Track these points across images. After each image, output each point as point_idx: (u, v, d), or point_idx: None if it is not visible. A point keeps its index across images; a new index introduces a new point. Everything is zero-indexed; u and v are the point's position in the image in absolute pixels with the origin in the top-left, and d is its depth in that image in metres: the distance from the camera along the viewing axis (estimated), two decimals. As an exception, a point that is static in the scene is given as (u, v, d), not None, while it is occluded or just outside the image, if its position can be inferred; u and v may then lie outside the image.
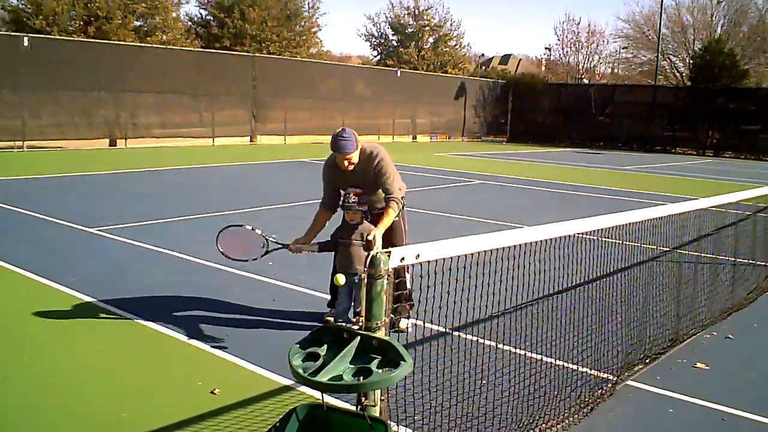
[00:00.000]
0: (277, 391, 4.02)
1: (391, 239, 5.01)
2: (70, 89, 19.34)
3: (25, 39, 18.39)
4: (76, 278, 6.07)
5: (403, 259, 2.55)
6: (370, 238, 4.71)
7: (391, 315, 4.33)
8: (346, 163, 4.96)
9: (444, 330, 4.68)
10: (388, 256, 2.46)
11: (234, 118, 24.05)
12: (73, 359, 4.39)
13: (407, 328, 5.00)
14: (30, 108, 18.46)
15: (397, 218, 5.02)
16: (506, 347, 4.14)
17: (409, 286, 4.89)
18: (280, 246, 5.09)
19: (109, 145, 20.35)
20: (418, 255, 2.63)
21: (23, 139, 18.28)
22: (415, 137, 30.76)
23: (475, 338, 4.56)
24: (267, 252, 5.09)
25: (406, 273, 4.74)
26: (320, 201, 5.39)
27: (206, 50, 27.24)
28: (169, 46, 26.09)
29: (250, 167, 16.68)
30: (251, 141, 24.34)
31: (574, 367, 4.16)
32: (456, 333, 4.45)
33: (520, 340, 4.04)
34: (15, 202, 9.83)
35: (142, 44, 24.79)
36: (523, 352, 4.22)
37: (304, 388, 4.00)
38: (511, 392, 3.69)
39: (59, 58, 18.98)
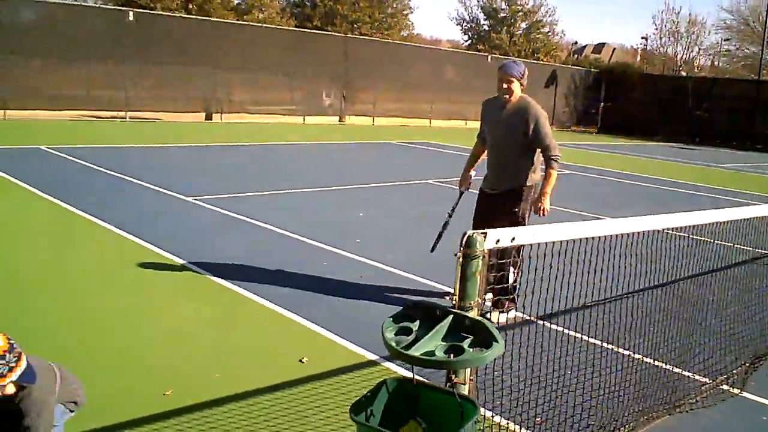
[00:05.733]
0: (361, 365, 4.10)
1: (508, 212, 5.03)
2: (171, 63, 20.07)
3: (131, 13, 19.19)
4: (173, 243, 6.36)
5: (498, 241, 2.55)
6: (539, 207, 4.89)
7: (489, 298, 4.46)
8: (504, 86, 5.00)
9: (529, 318, 4.67)
10: (484, 237, 2.48)
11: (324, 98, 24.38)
12: (167, 318, 4.62)
13: (505, 322, 4.92)
14: (133, 80, 19.29)
15: (519, 197, 5.07)
16: (594, 340, 4.09)
17: (510, 280, 4.88)
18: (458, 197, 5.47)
19: (205, 119, 21.05)
20: (514, 238, 2.63)
21: (126, 110, 19.15)
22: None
23: (561, 328, 4.53)
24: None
25: (511, 267, 4.73)
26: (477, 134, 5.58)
27: (300, 29, 27.68)
28: (264, 25, 26.64)
29: (338, 146, 16.91)
30: (340, 121, 24.63)
31: (665, 366, 4.06)
32: (541, 321, 4.42)
33: (608, 334, 3.97)
34: (118, 169, 10.36)
35: (239, 21, 25.41)
36: (611, 346, 4.15)
37: (387, 364, 4.08)
38: (599, 386, 3.64)
39: (161, 33, 19.75)
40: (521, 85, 5.05)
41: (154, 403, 3.42)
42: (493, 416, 3.16)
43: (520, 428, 3.31)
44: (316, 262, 6.17)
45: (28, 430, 2.59)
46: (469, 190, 5.56)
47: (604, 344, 4.13)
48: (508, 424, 3.33)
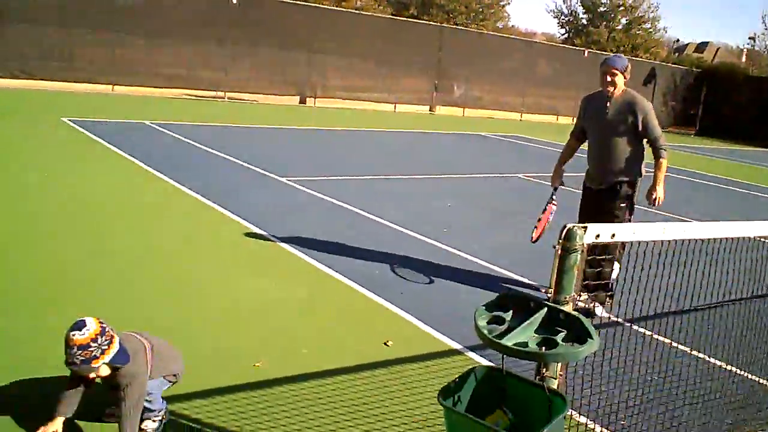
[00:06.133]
0: (445, 353, 4.12)
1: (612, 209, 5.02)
2: (269, 46, 20.55)
3: (235, -4, 19.79)
4: (266, 220, 6.56)
5: (598, 236, 2.51)
6: (654, 197, 4.96)
7: (587, 294, 4.44)
8: (608, 79, 5.01)
9: (616, 319, 4.56)
10: (584, 230, 2.44)
11: (416, 87, 24.40)
12: (258, 292, 4.78)
13: (600, 314, 4.93)
14: (232, 61, 19.89)
15: (629, 191, 5.08)
16: (683, 347, 3.97)
17: (614, 276, 4.89)
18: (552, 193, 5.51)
19: (299, 102, 21.47)
20: (614, 234, 2.57)
21: (225, 90, 19.77)
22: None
23: (649, 332, 4.41)
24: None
25: (614, 263, 4.79)
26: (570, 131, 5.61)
27: (396, 17, 27.73)
28: (361, 12, 26.86)
29: (428, 136, 16.91)
30: (430, 111, 24.60)
31: (762, 381, 3.89)
32: (628, 324, 4.32)
33: (702, 342, 3.84)
34: (216, 146, 10.74)
35: (337, 8, 25.71)
36: (703, 355, 4.02)
37: (470, 354, 4.09)
38: (693, 395, 3.52)
39: (262, 17, 20.21)
40: (624, 78, 5.04)
41: (245, 373, 3.55)
42: (571, 415, 3.12)
43: (604, 429, 3.26)
44: (403, 248, 6.22)
45: (121, 401, 2.75)
46: (563, 186, 5.50)
47: (695, 352, 4.00)
48: (589, 423, 3.28)
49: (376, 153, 12.72)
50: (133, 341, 2.85)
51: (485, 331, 2.33)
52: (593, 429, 3.26)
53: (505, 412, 2.48)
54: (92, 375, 2.71)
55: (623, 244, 4.12)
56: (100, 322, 2.70)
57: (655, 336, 4.26)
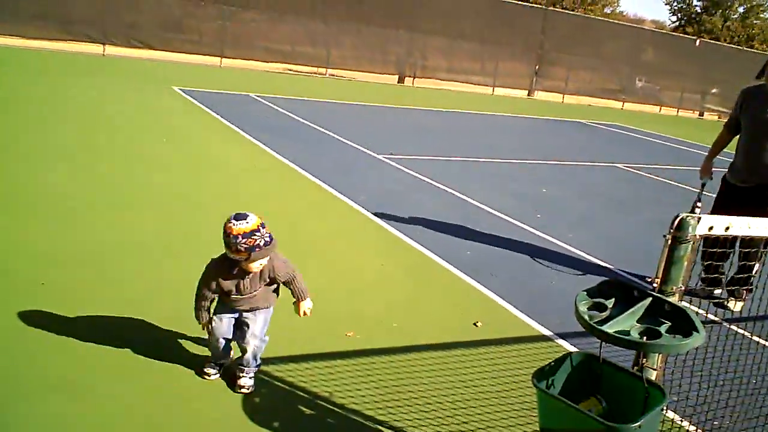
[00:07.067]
0: (534, 338, 4.09)
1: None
2: (372, 25, 20.69)
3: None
4: (362, 196, 6.66)
5: (711, 228, 2.42)
6: None
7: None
8: None
9: (715, 318, 4.38)
10: (698, 221, 2.36)
11: (515, 70, 24.00)
12: (356, 267, 4.87)
13: (737, 309, 4.97)
14: (335, 38, 20.14)
15: None
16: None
17: (754, 271, 4.83)
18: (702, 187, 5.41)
19: (398, 81, 21.53)
20: (728, 227, 2.48)
21: (327, 67, 20.07)
22: (702, 114, 28.18)
23: (748, 333, 4.23)
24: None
25: (757, 261, 4.74)
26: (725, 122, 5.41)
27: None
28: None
29: (527, 120, 16.62)
30: (528, 95, 24.14)
31: None
32: (726, 324, 4.14)
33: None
34: (318, 121, 10.96)
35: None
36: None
37: (560, 341, 4.03)
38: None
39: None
40: None
41: (337, 341, 3.64)
42: (666, 410, 3.03)
43: (695, 429, 3.16)
44: (497, 232, 6.18)
45: (291, 284, 3.06)
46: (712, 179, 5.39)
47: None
48: (678, 419, 3.19)
49: (473, 135, 12.62)
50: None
51: (586, 317, 2.30)
52: (682, 426, 3.17)
53: (599, 400, 2.44)
54: (255, 267, 2.87)
55: (766, 241, 3.96)
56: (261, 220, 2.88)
57: (755, 338, 4.09)
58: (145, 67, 15.58)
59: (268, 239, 2.84)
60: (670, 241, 2.33)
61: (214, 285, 2.93)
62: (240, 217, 2.81)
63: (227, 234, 2.79)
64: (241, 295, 2.95)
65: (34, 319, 3.39)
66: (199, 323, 3.04)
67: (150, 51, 17.65)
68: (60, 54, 15.75)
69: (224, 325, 3.01)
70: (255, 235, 2.79)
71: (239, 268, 2.89)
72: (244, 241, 2.77)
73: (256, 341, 3.01)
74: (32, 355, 3.08)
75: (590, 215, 7.43)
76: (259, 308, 3.02)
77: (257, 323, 3.02)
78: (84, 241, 4.55)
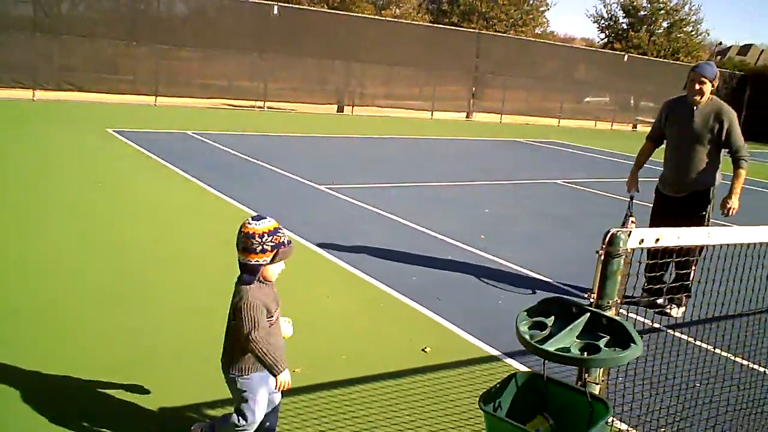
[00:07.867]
0: (484, 359, 4.09)
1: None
2: (308, 56, 20.76)
3: (275, 7, 19.99)
4: (305, 228, 6.60)
5: (642, 241, 2.47)
6: (728, 206, 4.93)
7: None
8: (697, 87, 5.00)
9: (658, 326, 4.47)
10: (628, 235, 2.40)
11: (453, 94, 24.42)
12: (301, 301, 4.80)
13: (681, 316, 5.11)
14: (272, 72, 20.13)
15: (707, 200, 5.10)
16: (725, 353, 3.87)
17: (691, 276, 4.90)
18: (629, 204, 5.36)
19: (337, 111, 21.62)
20: (658, 239, 2.53)
21: (265, 100, 20.01)
22: (635, 126, 29.11)
23: (690, 338, 4.32)
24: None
25: (693, 266, 4.78)
26: (647, 135, 5.63)
27: (434, 25, 27.80)
28: (400, 20, 26.98)
29: (466, 143, 16.85)
30: (467, 117, 24.54)
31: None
32: (670, 330, 4.23)
33: (746, 349, 3.74)
34: (255, 155, 10.87)
35: (376, 17, 25.87)
36: (746, 362, 3.92)
37: (509, 360, 4.05)
38: (736, 402, 3.43)
39: (303, 27, 20.45)
40: (712, 86, 5.04)
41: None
42: (612, 421, 3.05)
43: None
44: (441, 256, 6.20)
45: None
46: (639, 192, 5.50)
47: (738, 359, 3.90)
48: (630, 429, 3.22)
49: (413, 160, 12.72)
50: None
51: (527, 336, 2.31)
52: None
53: (546, 418, 2.45)
54: (275, 273, 2.74)
55: (701, 248, 4.06)
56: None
57: (697, 342, 4.18)
58: (78, 110, 15.25)
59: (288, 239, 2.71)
60: (603, 257, 2.37)
61: (266, 310, 2.70)
62: (258, 218, 2.70)
63: (250, 236, 2.64)
64: (274, 316, 2.79)
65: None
66: (281, 369, 2.71)
67: (83, 93, 17.30)
68: (-13, 101, 15.30)
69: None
70: (279, 232, 2.67)
71: (261, 280, 2.73)
72: (270, 238, 2.64)
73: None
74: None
75: (534, 233, 7.54)
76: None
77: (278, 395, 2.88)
78: (16, 296, 4.38)
